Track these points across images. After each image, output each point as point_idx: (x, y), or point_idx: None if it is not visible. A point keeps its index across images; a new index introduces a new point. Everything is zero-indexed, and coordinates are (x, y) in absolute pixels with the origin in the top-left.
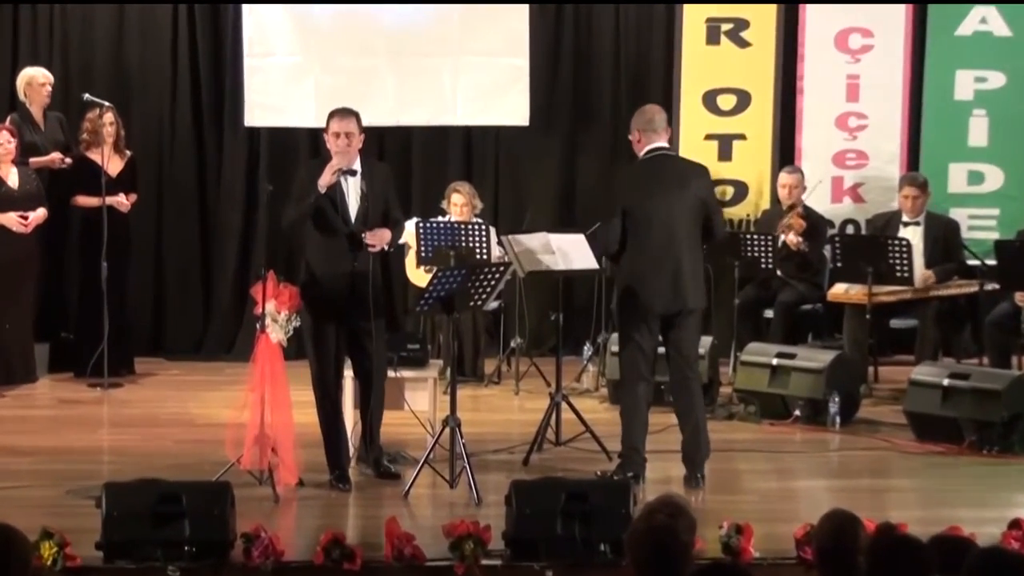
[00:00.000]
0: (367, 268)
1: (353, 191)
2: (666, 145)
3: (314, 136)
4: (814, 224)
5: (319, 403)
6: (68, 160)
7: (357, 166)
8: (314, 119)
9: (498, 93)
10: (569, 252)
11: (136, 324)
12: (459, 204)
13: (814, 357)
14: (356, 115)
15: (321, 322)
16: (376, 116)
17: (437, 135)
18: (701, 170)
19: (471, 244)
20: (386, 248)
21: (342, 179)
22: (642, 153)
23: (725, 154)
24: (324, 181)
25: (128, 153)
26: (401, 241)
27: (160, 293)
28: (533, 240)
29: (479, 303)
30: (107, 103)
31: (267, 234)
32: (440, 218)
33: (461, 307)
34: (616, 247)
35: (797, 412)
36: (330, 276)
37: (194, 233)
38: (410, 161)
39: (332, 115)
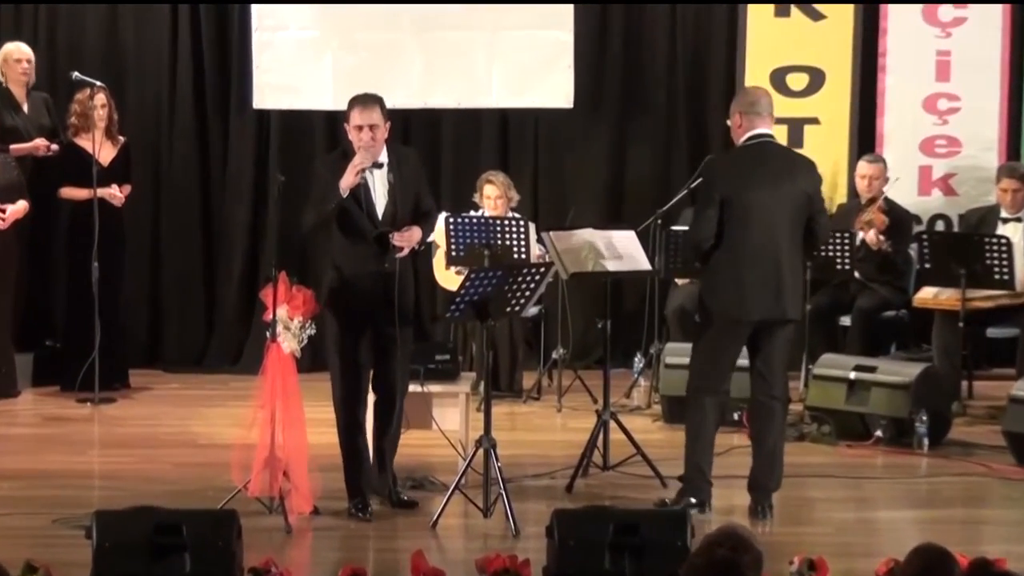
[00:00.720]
0: (397, 269)
1: (380, 185)
2: (770, 132)
3: (331, 120)
4: (898, 220)
5: (341, 421)
6: (54, 147)
7: (383, 157)
8: (331, 101)
9: (538, 72)
10: (618, 251)
11: (131, 332)
12: (493, 197)
13: (898, 371)
14: (380, 102)
15: (348, 330)
16: (401, 98)
17: (469, 119)
18: (809, 163)
19: (507, 242)
20: (416, 248)
21: (367, 174)
22: (743, 139)
23: (796, 140)
24: (346, 183)
25: (122, 139)
26: (428, 239)
27: (158, 297)
28: (577, 238)
29: (517, 309)
30: (98, 83)
31: (278, 230)
32: (472, 213)
33: (496, 313)
34: (710, 242)
35: (879, 433)
36: (358, 279)
37: (196, 229)
38: (439, 148)
39: (353, 104)
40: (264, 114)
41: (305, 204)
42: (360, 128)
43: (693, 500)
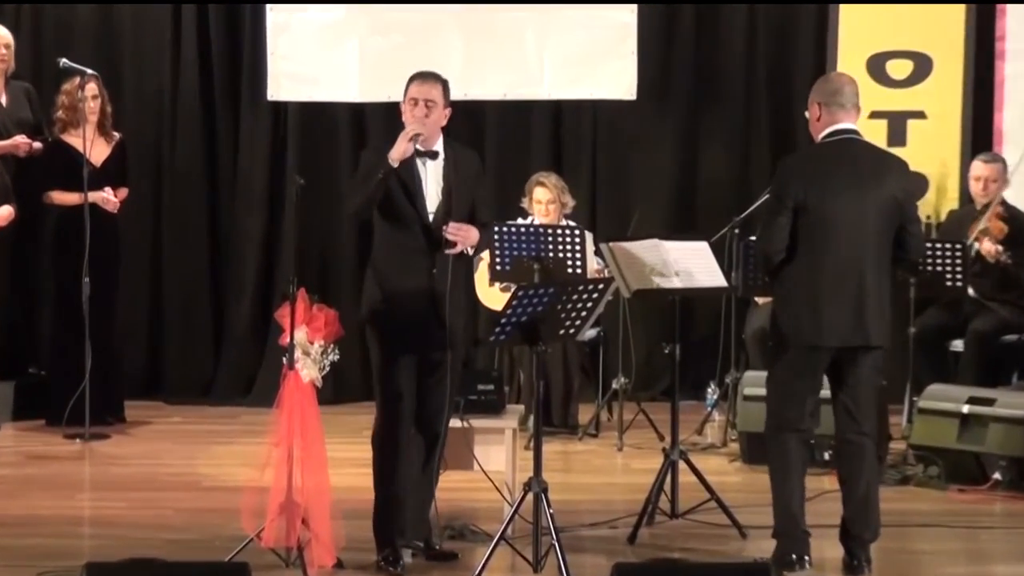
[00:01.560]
0: (448, 278)
1: (432, 178)
2: (855, 127)
3: (357, 115)
4: (1019, 228)
5: (379, 460)
6: (38, 144)
7: (439, 147)
8: (357, 92)
9: (597, 57)
10: (689, 265)
11: (127, 357)
12: (544, 202)
13: (1020, 403)
14: (444, 83)
15: (389, 352)
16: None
17: (517, 112)
18: (900, 163)
19: (560, 254)
20: (468, 251)
21: (419, 162)
22: (822, 134)
23: (898, 137)
24: (397, 152)
25: (117, 135)
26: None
27: (158, 317)
28: (642, 249)
29: (571, 332)
30: (89, 70)
31: (296, 241)
32: (520, 220)
33: (548, 337)
34: (782, 254)
35: (997, 475)
36: (402, 286)
37: (202, 239)
38: (482, 145)
39: (413, 78)
40: (280, 107)
41: (351, 186)
42: (416, 102)
43: (793, 556)
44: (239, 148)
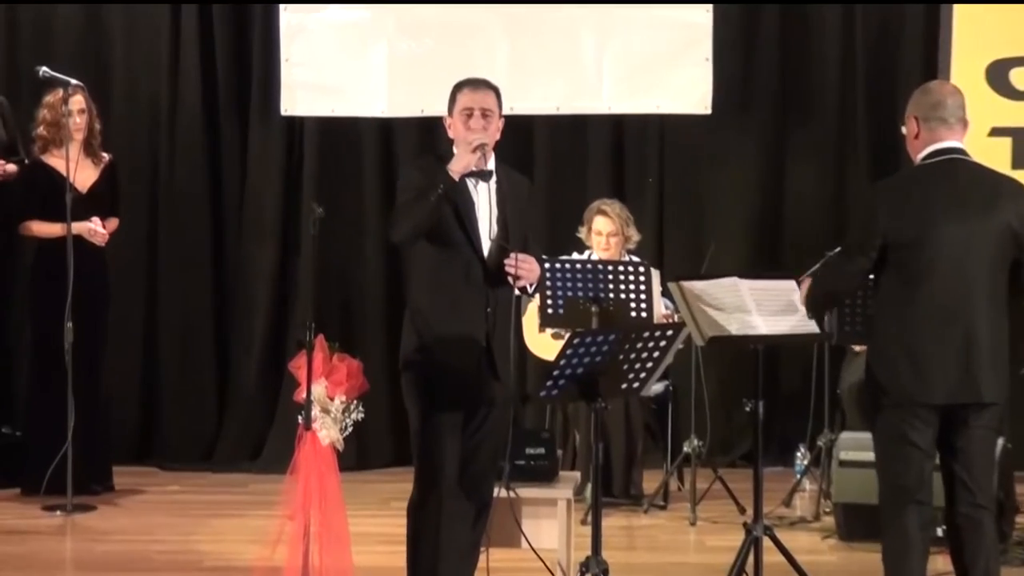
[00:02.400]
0: (507, 319)
1: (485, 204)
2: (960, 146)
3: (385, 132)
4: None
5: (415, 535)
6: (12, 167)
7: (492, 167)
8: (385, 105)
9: (665, 65)
10: (774, 307)
11: (116, 416)
12: (605, 233)
13: None
14: (497, 91)
15: (438, 408)
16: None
17: (571, 129)
18: (1015, 187)
19: (623, 295)
20: (528, 290)
21: (470, 183)
22: (922, 155)
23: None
24: (461, 164)
25: (106, 157)
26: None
27: (153, 368)
28: (718, 289)
29: (635, 386)
30: (75, 81)
31: (314, 279)
32: (576, 255)
33: (608, 392)
34: (849, 295)
35: None
36: (454, 333)
37: (204, 277)
38: (531, 167)
39: (461, 86)
40: (295, 123)
41: (396, 212)
42: (470, 113)
43: None
44: (247, 171)
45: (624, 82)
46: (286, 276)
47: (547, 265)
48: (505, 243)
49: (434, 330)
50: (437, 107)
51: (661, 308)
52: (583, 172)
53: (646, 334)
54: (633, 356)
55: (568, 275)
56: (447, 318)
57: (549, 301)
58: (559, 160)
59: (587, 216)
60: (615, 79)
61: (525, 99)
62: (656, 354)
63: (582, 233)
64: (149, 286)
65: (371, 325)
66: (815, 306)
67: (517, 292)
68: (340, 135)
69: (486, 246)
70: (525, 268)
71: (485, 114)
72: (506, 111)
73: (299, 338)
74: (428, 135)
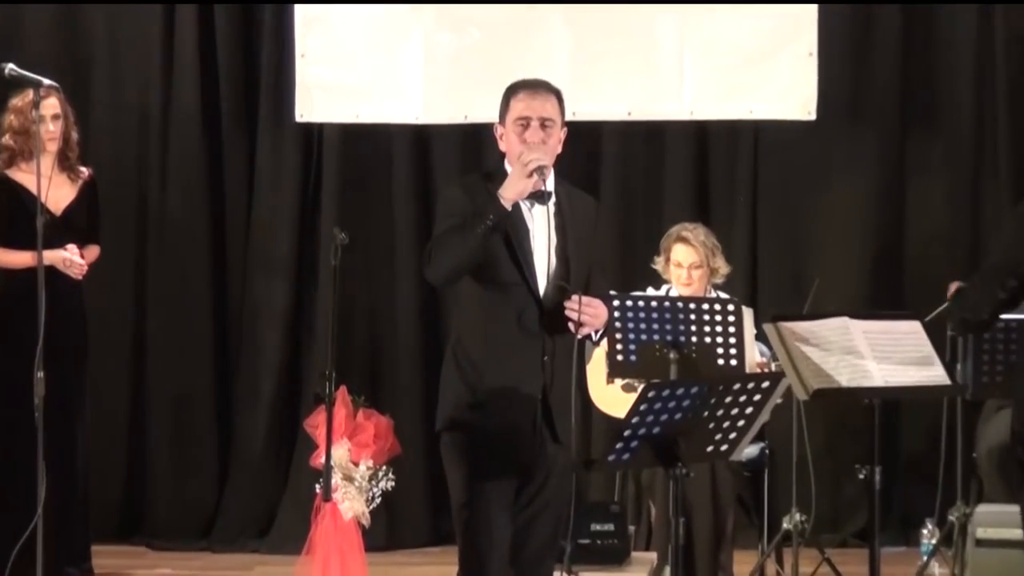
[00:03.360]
0: (568, 369)
1: (541, 229)
2: None
3: (421, 142)
4: None
5: None
6: None
7: (552, 187)
8: (421, 109)
9: (760, 62)
10: (893, 354)
11: (96, 485)
12: (687, 265)
13: None
14: (559, 94)
15: (486, 476)
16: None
17: (646, 138)
18: None
19: (708, 339)
20: (593, 337)
21: (524, 206)
22: None
23: None
24: (515, 190)
25: (85, 171)
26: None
27: (141, 428)
28: (825, 331)
29: (724, 449)
30: (48, 81)
31: (335, 319)
32: (651, 291)
33: (691, 456)
34: (981, 325)
35: None
36: (506, 386)
37: (203, 319)
38: (596, 184)
39: (516, 90)
40: (312, 132)
41: (437, 244)
42: (526, 123)
43: None
44: (255, 190)
45: (709, 82)
46: (301, 316)
47: (616, 303)
48: (566, 283)
49: (479, 383)
50: (483, 112)
51: (755, 355)
52: (659, 191)
53: (737, 386)
54: (721, 413)
55: (642, 315)
56: (495, 368)
57: (619, 346)
58: (631, 176)
59: (665, 244)
60: (699, 78)
61: (590, 102)
62: (749, 410)
63: (658, 264)
64: (136, 328)
65: (404, 375)
66: (959, 328)
67: (583, 337)
68: (366, 146)
69: (543, 283)
70: (589, 313)
71: (544, 124)
72: (568, 116)
73: (317, 391)
74: (472, 146)
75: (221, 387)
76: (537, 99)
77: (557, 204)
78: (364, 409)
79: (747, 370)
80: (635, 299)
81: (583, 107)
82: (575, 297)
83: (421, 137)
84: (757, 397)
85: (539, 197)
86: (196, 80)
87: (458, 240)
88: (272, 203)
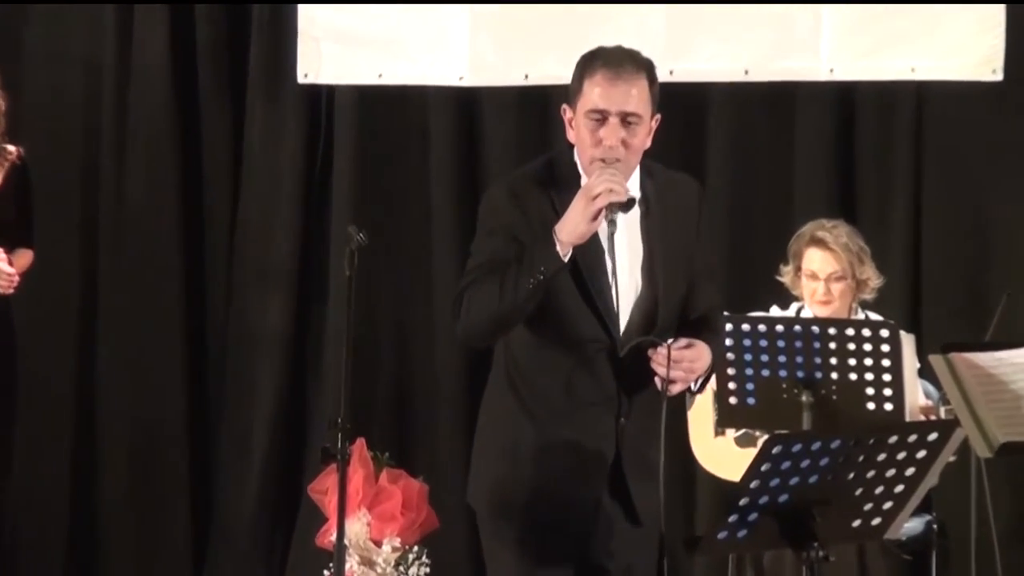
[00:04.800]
0: (650, 427)
1: (624, 246)
2: None
3: (467, 109)
4: None
5: None
6: None
7: (635, 187)
8: (467, 67)
9: (927, 7)
10: None
11: (29, 567)
12: (825, 276)
13: None
14: (649, 69)
15: (539, 564)
16: None
17: (770, 104)
18: None
19: (853, 374)
20: (692, 389)
21: (603, 220)
22: None
23: None
24: (575, 232)
25: (12, 151)
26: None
27: (87, 492)
28: (1016, 366)
29: (876, 523)
30: None
31: (352, 346)
32: (776, 310)
33: (831, 534)
34: None
35: None
36: (567, 448)
37: (174, 343)
38: (701, 165)
39: (591, 66)
40: (319, 98)
41: (473, 279)
42: (602, 117)
43: None
44: (242, 177)
45: (855, 32)
46: (304, 344)
47: (728, 328)
48: (653, 339)
49: (531, 444)
50: (549, 70)
51: (919, 396)
52: (787, 176)
53: (893, 439)
54: (872, 475)
55: (763, 343)
56: (552, 427)
57: (732, 386)
58: (747, 156)
59: (794, 248)
60: (841, 26)
61: (694, 58)
62: (910, 471)
63: (786, 275)
64: (83, 358)
65: (444, 425)
66: None
67: (674, 394)
68: (392, 116)
69: (624, 319)
70: (683, 368)
71: (628, 120)
72: (667, 77)
73: (325, 445)
74: (534, 116)
75: (197, 437)
76: (619, 85)
77: (646, 210)
78: (389, 469)
79: (907, 417)
80: (754, 322)
81: (683, 64)
82: (663, 347)
83: (467, 103)
84: (921, 454)
85: (622, 207)
86: (165, 24)
87: (497, 294)
88: (266, 191)
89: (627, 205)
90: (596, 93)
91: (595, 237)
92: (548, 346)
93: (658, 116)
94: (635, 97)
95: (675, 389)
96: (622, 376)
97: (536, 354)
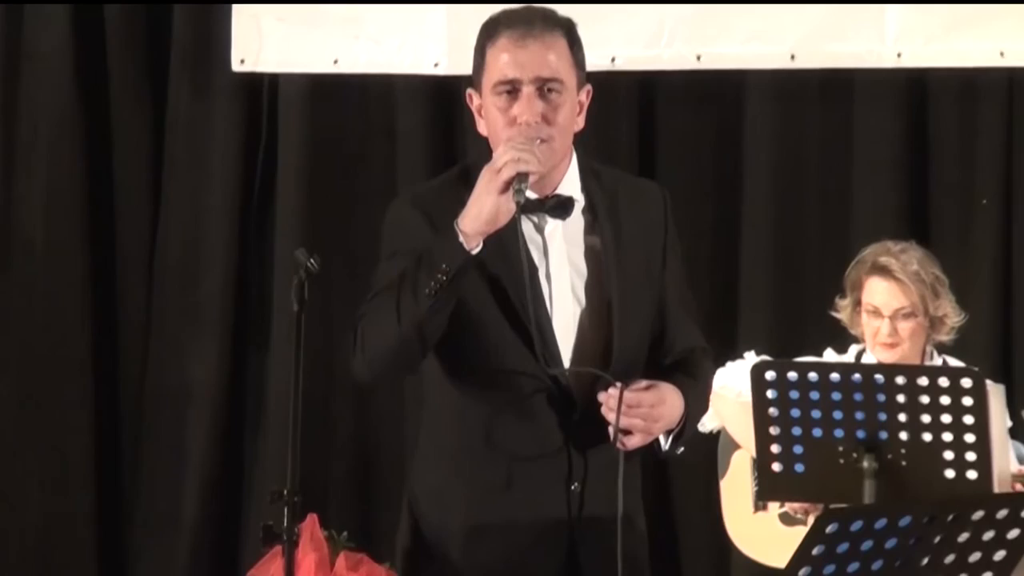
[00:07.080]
0: (615, 499)
1: (564, 262)
2: None
3: (442, 99)
4: None
5: None
6: None
7: (573, 185)
8: (443, 51)
9: None
10: None
11: None
12: (890, 311)
13: None
14: (566, 27)
15: None
16: (637, 46)
17: (822, 95)
18: None
19: (929, 434)
20: (664, 448)
21: (528, 222)
22: None
23: None
24: (479, 220)
25: None
26: (709, 426)
27: None
28: None
29: None
30: None
31: (299, 396)
32: (831, 354)
33: None
34: None
35: None
36: (504, 528)
37: (80, 396)
38: (732, 170)
39: (493, 30)
40: (260, 88)
41: (361, 312)
42: (511, 88)
43: None
44: (163, 182)
45: (929, 9)
46: (241, 397)
47: (770, 376)
48: (597, 371)
49: (445, 524)
50: None
51: (1010, 461)
52: (845, 184)
53: (978, 515)
54: (951, 560)
55: (813, 395)
56: (478, 504)
57: (775, 449)
58: (792, 160)
59: (853, 277)
60: (910, 10)
61: (727, 41)
62: (999, 555)
63: (843, 311)
64: None
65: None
66: None
67: (631, 450)
68: (351, 111)
69: (566, 350)
70: (640, 415)
71: (546, 89)
72: (694, 63)
73: (267, 522)
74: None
75: (108, 512)
76: (530, 45)
77: (591, 213)
78: (347, 553)
79: (996, 487)
80: (803, 369)
81: (714, 48)
82: (613, 390)
83: (443, 95)
84: (1014, 533)
85: (554, 209)
86: (65, 15)
87: (394, 312)
88: (192, 205)
89: (563, 207)
90: (503, 60)
91: (512, 236)
92: (467, 394)
93: (589, 88)
94: (553, 61)
95: (632, 442)
96: (571, 427)
97: (451, 408)
